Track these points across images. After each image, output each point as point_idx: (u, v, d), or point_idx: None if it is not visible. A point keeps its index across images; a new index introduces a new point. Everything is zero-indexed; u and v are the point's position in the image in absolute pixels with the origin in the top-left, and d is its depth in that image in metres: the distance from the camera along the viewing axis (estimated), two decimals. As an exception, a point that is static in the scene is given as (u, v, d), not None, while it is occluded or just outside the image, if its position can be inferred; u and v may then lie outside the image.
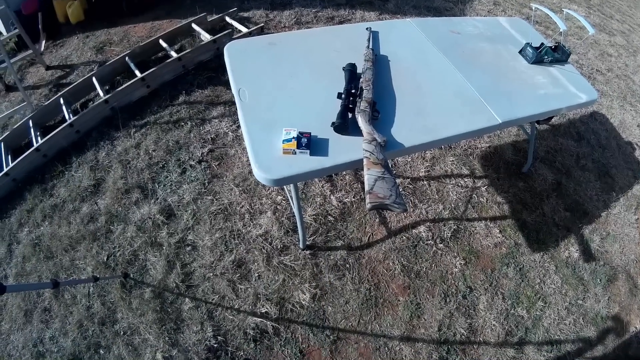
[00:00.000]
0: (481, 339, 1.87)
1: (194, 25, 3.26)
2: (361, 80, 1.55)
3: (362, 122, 1.38)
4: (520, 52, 1.87)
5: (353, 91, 1.48)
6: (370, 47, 1.77)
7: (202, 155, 2.47)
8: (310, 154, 1.32)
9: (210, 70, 3.01)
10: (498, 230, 2.15)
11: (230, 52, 1.74)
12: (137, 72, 2.77)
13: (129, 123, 2.65)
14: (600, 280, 2.08)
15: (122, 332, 1.89)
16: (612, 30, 4.32)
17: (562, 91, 1.72)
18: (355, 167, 1.42)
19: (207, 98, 2.83)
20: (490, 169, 2.49)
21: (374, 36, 1.86)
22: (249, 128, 1.41)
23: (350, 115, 1.43)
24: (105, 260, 2.07)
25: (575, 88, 1.74)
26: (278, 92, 1.56)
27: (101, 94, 2.66)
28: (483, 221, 2.20)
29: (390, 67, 1.73)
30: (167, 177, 2.37)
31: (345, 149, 1.37)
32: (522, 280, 2.02)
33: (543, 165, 2.43)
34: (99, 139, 2.57)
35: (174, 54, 2.90)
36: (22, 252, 2.18)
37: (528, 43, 1.83)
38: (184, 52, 2.91)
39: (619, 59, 3.85)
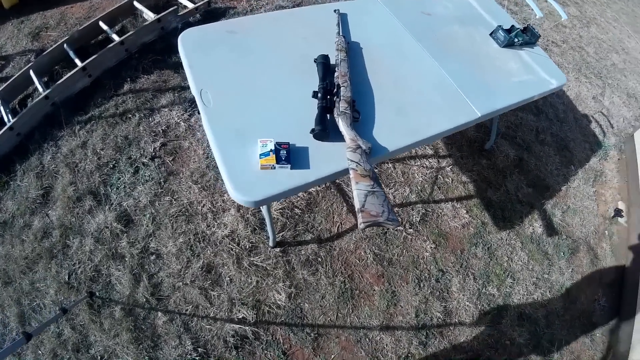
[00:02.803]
0: (457, 320, 1.93)
1: (135, 3, 2.94)
2: (336, 74, 1.43)
3: (343, 126, 1.28)
4: (491, 34, 1.82)
5: (329, 88, 1.37)
6: (341, 33, 1.63)
7: (155, 151, 2.31)
8: (292, 168, 1.22)
9: (155, 53, 2.76)
10: (465, 211, 2.18)
11: (185, 44, 1.54)
12: (77, 61, 2.51)
13: (73, 119, 2.43)
14: (563, 253, 2.16)
15: (99, 357, 1.82)
16: (565, 1, 4.29)
17: (534, 78, 1.69)
18: (340, 177, 1.35)
19: (154, 84, 2.61)
20: (454, 147, 2.47)
21: (343, 20, 1.72)
22: (218, 140, 1.27)
23: (328, 116, 1.33)
24: (67, 279, 1.96)
25: (545, 73, 1.71)
26: (246, 92, 1.42)
27: (40, 89, 2.40)
28: (450, 202, 2.21)
29: (363, 56, 1.61)
30: (120, 178, 2.22)
31: (327, 158, 1.27)
32: (491, 259, 2.08)
33: (504, 142, 2.45)
34: (42, 140, 2.35)
35: (115, 37, 2.62)
36: (-23, 280, 2.04)
37: (500, 26, 1.78)
38: (127, 35, 2.63)
39: (573, 30, 3.79)
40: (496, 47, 1.80)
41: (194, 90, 1.40)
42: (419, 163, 2.37)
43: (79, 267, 1.98)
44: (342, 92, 1.36)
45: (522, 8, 3.33)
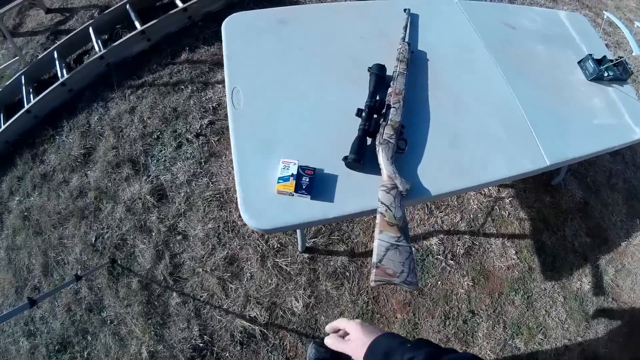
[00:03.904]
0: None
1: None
2: (390, 90, 1.21)
3: (382, 158, 1.09)
4: (579, 62, 1.58)
5: (377, 107, 1.18)
6: (407, 39, 1.40)
7: (201, 128, 2.26)
8: (312, 198, 1.06)
9: (219, 23, 2.69)
10: (514, 251, 1.97)
11: (229, 31, 1.38)
12: (137, 24, 2.49)
13: (125, 82, 2.42)
14: (604, 317, 1.91)
15: (108, 321, 1.85)
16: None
17: (617, 123, 1.41)
18: (366, 216, 1.20)
19: (212, 57, 2.55)
20: (519, 176, 2.23)
21: (413, 21, 1.48)
22: (239, 150, 1.14)
23: (370, 140, 1.15)
24: (93, 242, 1.98)
25: (631, 119, 1.43)
26: (282, 97, 1.25)
27: (97, 48, 2.42)
28: (500, 238, 2.01)
29: (427, 71, 1.37)
30: (162, 151, 2.19)
31: (356, 193, 1.09)
32: (528, 310, 1.87)
33: (574, 180, 2.18)
34: (92, 99, 2.37)
35: (179, 3, 2.57)
36: (12, 224, 2.11)
37: (590, 55, 1.53)
38: (191, 2, 2.57)
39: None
40: (582, 79, 1.54)
41: (227, 87, 1.26)
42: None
43: (107, 233, 1.99)
44: (390, 114, 1.15)
45: (616, 30, 2.97)
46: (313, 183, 1.06)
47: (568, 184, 2.16)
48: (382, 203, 1.03)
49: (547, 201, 2.11)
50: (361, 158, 1.08)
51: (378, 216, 1.03)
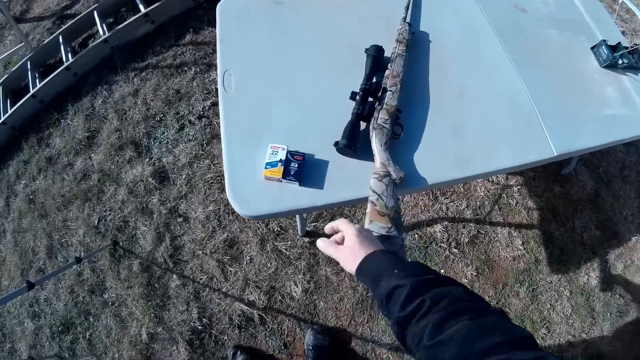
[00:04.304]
0: None
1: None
2: (387, 72, 1.13)
3: (376, 144, 1.02)
4: (592, 48, 1.50)
5: (373, 90, 1.10)
6: (408, 19, 1.30)
7: (204, 110, 2.23)
8: (300, 184, 1.01)
9: (224, 5, 2.68)
10: (521, 242, 1.89)
11: (223, 13, 1.34)
12: (141, 7, 2.47)
13: (129, 65, 2.41)
14: (610, 314, 1.82)
15: (110, 303, 1.87)
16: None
17: (630, 114, 1.29)
18: (357, 204, 1.13)
19: (216, 39, 2.53)
20: (529, 164, 2.15)
21: (415, 2, 1.39)
22: (228, 134, 1.10)
23: (364, 125, 1.08)
24: (95, 224, 2.00)
25: None
26: (274, 81, 1.19)
27: (101, 31, 2.41)
28: (507, 228, 1.93)
29: (429, 53, 1.28)
30: (164, 133, 2.18)
31: (347, 180, 1.03)
32: (532, 303, 1.81)
33: (585, 170, 2.08)
34: (97, 83, 2.37)
35: (184, -17, 2.55)
36: (18, 207, 2.15)
37: (604, 40, 1.45)
38: (195, -17, 2.55)
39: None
40: (595, 66, 1.43)
41: (219, 70, 1.22)
42: (485, 175, 2.10)
43: (109, 215, 2.01)
44: (386, 98, 1.07)
45: (632, 17, 2.84)
46: (302, 169, 1.01)
47: (579, 174, 2.07)
48: (373, 191, 0.96)
49: (557, 191, 2.03)
50: (353, 144, 1.02)
51: (369, 205, 0.96)
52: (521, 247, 1.90)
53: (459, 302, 0.55)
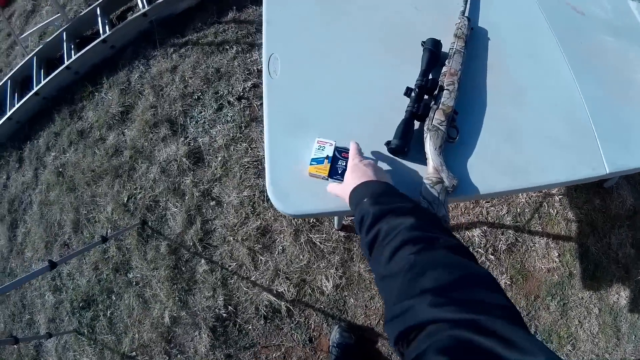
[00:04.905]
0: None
1: None
2: (444, 70, 1.05)
3: (430, 147, 0.93)
4: None
5: (429, 87, 1.02)
6: (467, 13, 1.21)
7: (244, 91, 2.15)
8: None
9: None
10: (557, 254, 1.80)
11: None
12: (183, -19, 2.41)
13: (168, 40, 2.34)
14: (635, 336, 1.73)
15: (134, 283, 1.82)
16: None
17: None
18: None
19: (260, 17, 2.39)
20: (572, 175, 2.04)
21: None
22: (271, 122, 1.02)
23: (418, 124, 0.99)
24: (125, 201, 1.94)
25: None
26: (323, 69, 1.11)
27: (140, 5, 2.35)
28: (545, 238, 1.84)
29: (488, 53, 1.18)
30: (201, 112, 2.11)
31: (395, 183, 0.89)
32: (562, 317, 1.72)
33: (626, 184, 1.96)
34: (134, 57, 2.32)
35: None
36: (47, 179, 2.11)
37: None
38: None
39: None
40: None
41: (264, 53, 1.13)
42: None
43: (139, 193, 1.95)
44: (443, 97, 0.99)
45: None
46: None
47: (620, 188, 1.96)
48: (424, 198, 0.87)
49: (597, 204, 1.92)
50: (406, 144, 0.93)
51: None
52: (557, 260, 1.80)
53: (413, 230, 0.60)
